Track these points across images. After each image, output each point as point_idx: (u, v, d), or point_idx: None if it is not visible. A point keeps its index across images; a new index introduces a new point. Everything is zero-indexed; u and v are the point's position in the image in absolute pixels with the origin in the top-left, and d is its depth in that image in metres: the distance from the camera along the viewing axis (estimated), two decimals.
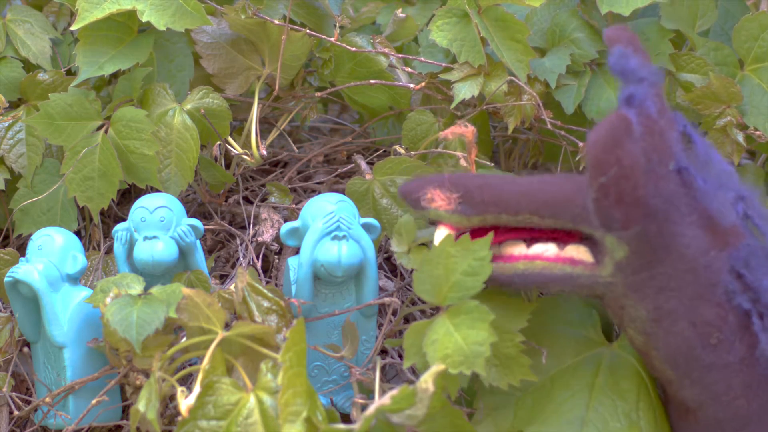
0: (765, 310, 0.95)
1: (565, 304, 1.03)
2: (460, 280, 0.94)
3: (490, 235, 0.95)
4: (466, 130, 1.09)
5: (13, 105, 1.25)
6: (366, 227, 1.05)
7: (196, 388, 0.90)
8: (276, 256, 1.21)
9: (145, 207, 1.07)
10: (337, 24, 1.22)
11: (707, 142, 0.98)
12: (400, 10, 1.28)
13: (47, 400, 1.05)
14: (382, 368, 1.10)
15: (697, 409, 0.98)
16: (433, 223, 1.00)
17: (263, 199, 1.24)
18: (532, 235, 0.98)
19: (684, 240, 0.93)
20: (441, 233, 0.98)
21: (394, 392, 0.87)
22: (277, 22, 1.18)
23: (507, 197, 0.96)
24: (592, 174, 0.87)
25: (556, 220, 0.95)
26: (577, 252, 0.96)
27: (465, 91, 1.15)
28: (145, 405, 0.90)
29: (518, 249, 0.97)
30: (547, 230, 0.97)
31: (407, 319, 1.16)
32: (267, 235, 1.19)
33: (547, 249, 0.97)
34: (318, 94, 1.24)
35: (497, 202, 0.96)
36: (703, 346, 0.95)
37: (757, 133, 1.15)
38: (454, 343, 0.91)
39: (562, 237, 0.97)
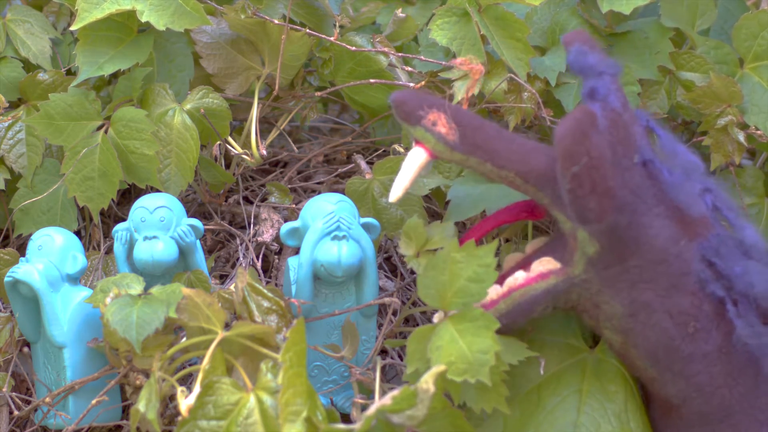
0: (739, 297, 0.96)
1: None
2: (465, 286, 0.93)
3: (495, 242, 0.95)
4: (475, 66, 1.09)
5: (13, 105, 1.25)
6: (366, 227, 1.05)
7: (196, 388, 0.90)
8: (276, 256, 1.21)
9: (145, 207, 1.07)
10: (337, 24, 1.22)
11: (671, 135, 0.99)
12: (400, 9, 1.28)
13: (47, 400, 1.04)
14: (382, 368, 1.09)
15: (681, 404, 0.98)
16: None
17: (263, 199, 1.24)
18: (498, 223, 0.99)
19: (652, 231, 0.94)
20: (417, 153, 0.96)
21: (394, 392, 0.87)
22: (276, 21, 1.17)
23: (500, 149, 0.95)
24: (564, 165, 0.88)
25: (537, 191, 0.95)
26: (543, 265, 0.97)
27: (465, 89, 1.14)
28: (145, 405, 0.90)
29: (493, 290, 0.97)
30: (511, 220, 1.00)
31: (407, 320, 1.16)
32: (267, 235, 1.19)
33: (516, 278, 0.98)
34: (318, 93, 1.24)
35: (488, 149, 0.95)
36: (681, 337, 0.95)
37: (758, 132, 1.15)
38: (459, 350, 0.91)
39: (525, 263, 0.98)
